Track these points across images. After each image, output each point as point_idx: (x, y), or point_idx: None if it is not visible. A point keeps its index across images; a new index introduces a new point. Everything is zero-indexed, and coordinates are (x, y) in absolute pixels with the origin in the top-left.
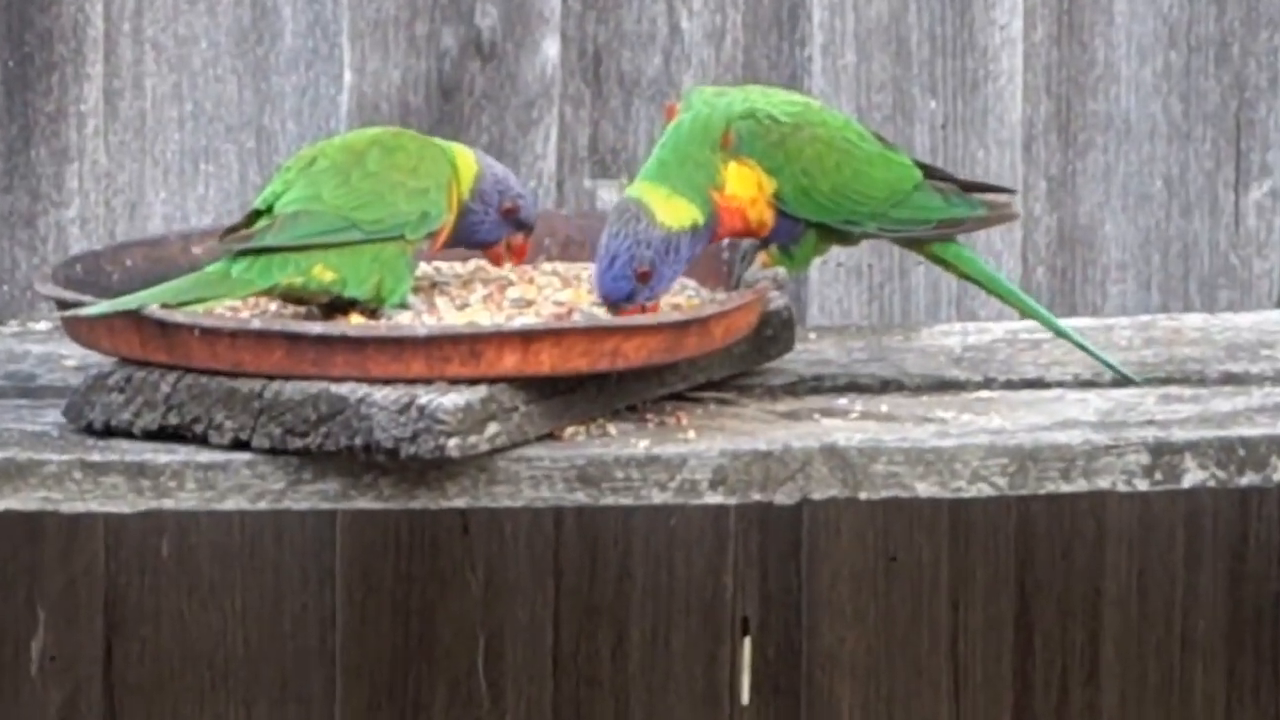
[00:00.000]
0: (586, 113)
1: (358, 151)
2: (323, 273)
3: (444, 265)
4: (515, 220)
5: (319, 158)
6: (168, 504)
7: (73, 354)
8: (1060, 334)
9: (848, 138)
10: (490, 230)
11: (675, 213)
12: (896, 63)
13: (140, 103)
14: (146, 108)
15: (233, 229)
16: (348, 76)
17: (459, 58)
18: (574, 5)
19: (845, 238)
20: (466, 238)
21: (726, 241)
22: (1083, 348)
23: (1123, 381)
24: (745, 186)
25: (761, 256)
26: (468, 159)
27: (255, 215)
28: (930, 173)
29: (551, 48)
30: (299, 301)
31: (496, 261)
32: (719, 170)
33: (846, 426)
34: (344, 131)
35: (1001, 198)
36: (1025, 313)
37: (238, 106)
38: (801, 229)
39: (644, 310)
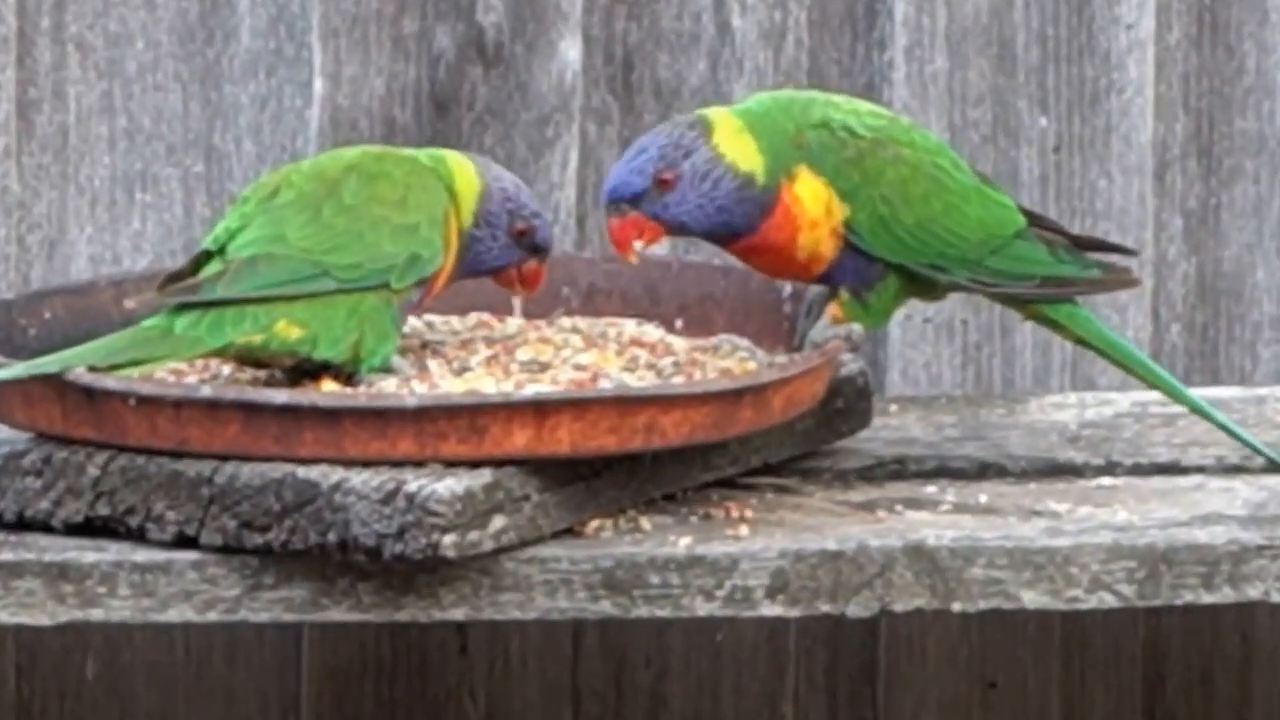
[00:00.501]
0: (614, 131)
1: (331, 180)
2: (287, 330)
3: (438, 320)
4: (529, 244)
5: (283, 188)
6: (95, 614)
7: None
8: (1197, 410)
9: (940, 164)
10: (499, 256)
11: (739, 147)
12: (998, 70)
13: (61, 116)
14: (69, 122)
15: (174, 276)
16: (318, 85)
17: (457, 62)
18: None
19: (929, 288)
20: (470, 267)
21: (788, 290)
22: (1225, 428)
23: (1276, 468)
24: (814, 201)
25: (831, 308)
26: (468, 175)
27: (203, 259)
28: (1035, 221)
29: (571, 50)
30: (258, 364)
31: (507, 285)
32: (795, 161)
33: (936, 521)
34: (314, 153)
35: (1120, 259)
36: (1153, 384)
37: (182, 121)
38: (878, 271)
39: (640, 235)
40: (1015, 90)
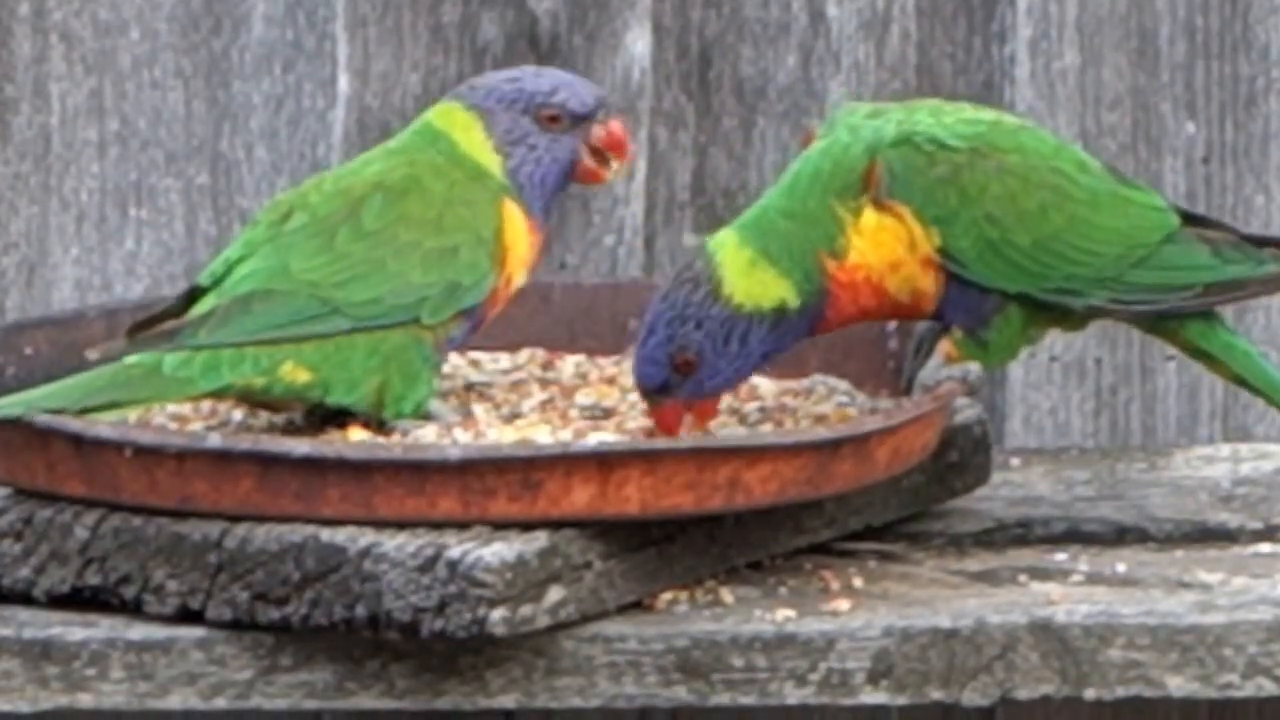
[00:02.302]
0: (689, 137)
1: (354, 199)
2: (294, 373)
3: (485, 357)
4: (572, 121)
5: (297, 209)
6: (84, 700)
7: None
8: None
9: (1060, 169)
10: (557, 156)
11: (755, 287)
12: (1138, 67)
13: (43, 118)
14: (51, 125)
15: (150, 320)
16: (343, 82)
17: (505, 55)
18: None
19: (1065, 316)
20: (538, 190)
21: (893, 325)
22: None
23: None
24: (883, 248)
25: (944, 346)
26: (461, 120)
27: (194, 295)
28: (1192, 221)
29: (639, 42)
30: (268, 407)
31: (595, 178)
32: (845, 228)
33: (1066, 594)
34: (339, 162)
35: None
36: None
37: (184, 124)
38: (994, 304)
39: (689, 412)
40: (1158, 91)
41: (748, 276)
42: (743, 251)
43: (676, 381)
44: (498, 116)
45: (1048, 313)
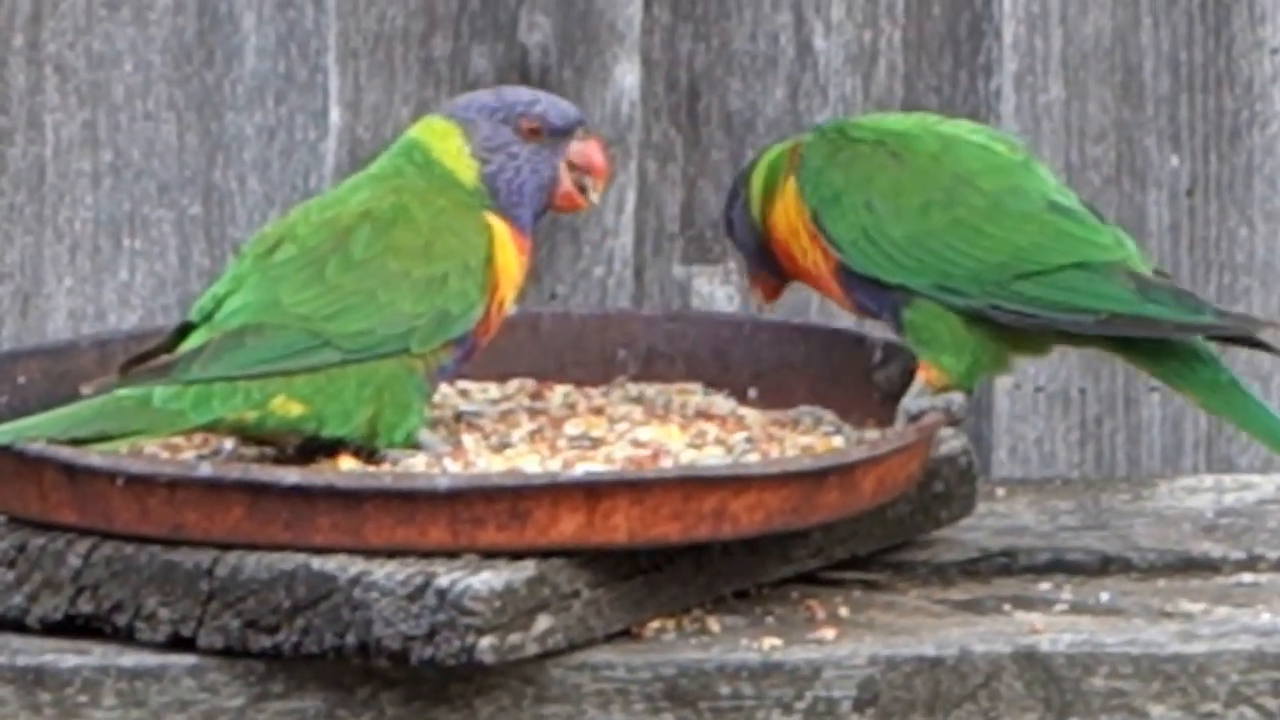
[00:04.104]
0: (678, 169)
1: (341, 229)
2: (286, 406)
3: (474, 387)
4: (552, 134)
5: (285, 241)
6: None
7: None
8: None
9: (968, 178)
10: (536, 170)
11: (754, 187)
12: (1123, 101)
13: (37, 148)
14: (46, 156)
15: (142, 356)
16: (335, 114)
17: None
18: (661, 15)
19: (1000, 328)
20: (515, 203)
21: (879, 356)
22: None
23: None
24: (787, 217)
25: (922, 370)
26: (439, 129)
27: (185, 330)
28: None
29: (629, 75)
30: (260, 441)
31: (572, 204)
32: (779, 191)
33: (1050, 623)
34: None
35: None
36: None
37: (177, 156)
38: (896, 299)
39: (754, 279)
40: (1142, 124)
41: (757, 179)
42: (769, 156)
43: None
44: (478, 125)
45: (981, 323)
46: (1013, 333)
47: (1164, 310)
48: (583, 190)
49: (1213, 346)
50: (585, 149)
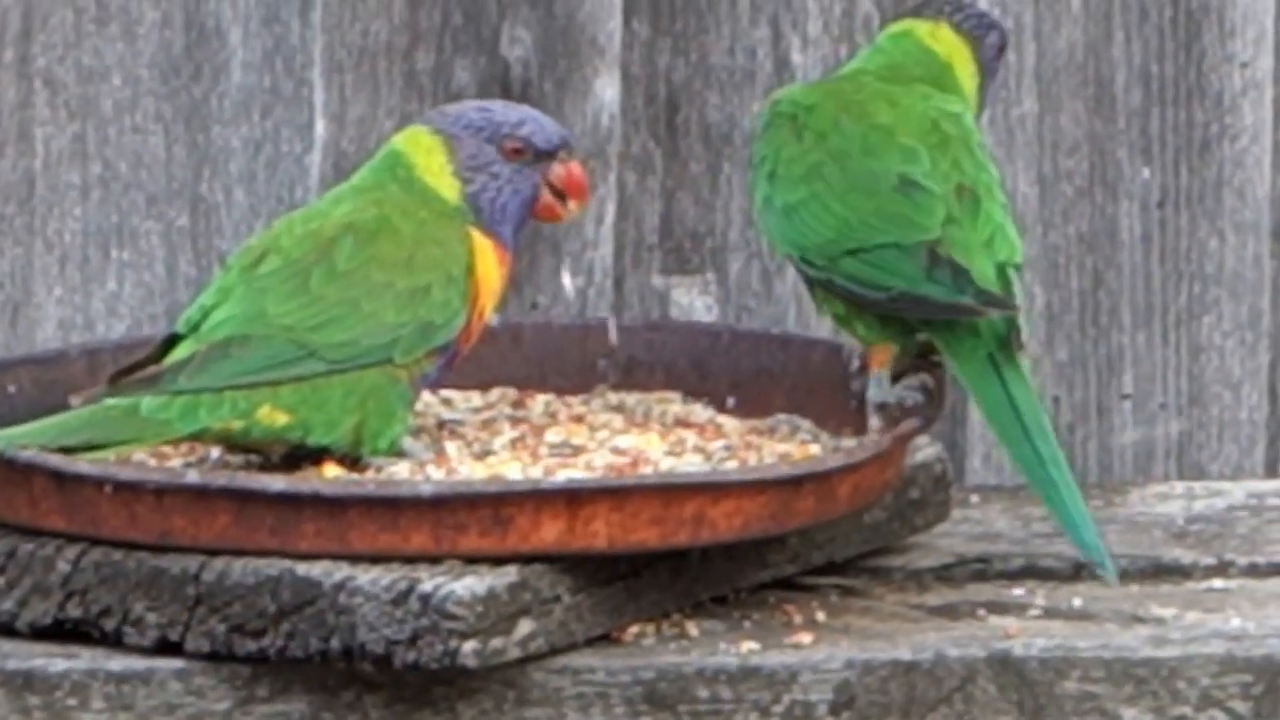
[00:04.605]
0: (657, 181)
1: (324, 240)
2: (272, 415)
3: (457, 396)
4: (535, 155)
5: (270, 253)
6: None
7: None
8: (1049, 501)
9: (840, 153)
10: (517, 189)
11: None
12: (1095, 114)
13: (27, 161)
14: (35, 169)
15: (130, 367)
16: (320, 127)
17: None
18: (640, 29)
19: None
20: (498, 221)
21: (856, 364)
22: (1071, 527)
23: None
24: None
25: (864, 355)
26: (425, 144)
27: (172, 342)
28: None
29: (608, 89)
30: (250, 450)
31: (551, 215)
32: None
33: (1023, 628)
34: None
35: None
36: (1032, 484)
37: (165, 168)
38: (805, 273)
39: None
40: (1114, 137)
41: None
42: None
43: None
44: (463, 142)
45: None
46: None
47: (939, 290)
48: (564, 201)
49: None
50: (567, 172)
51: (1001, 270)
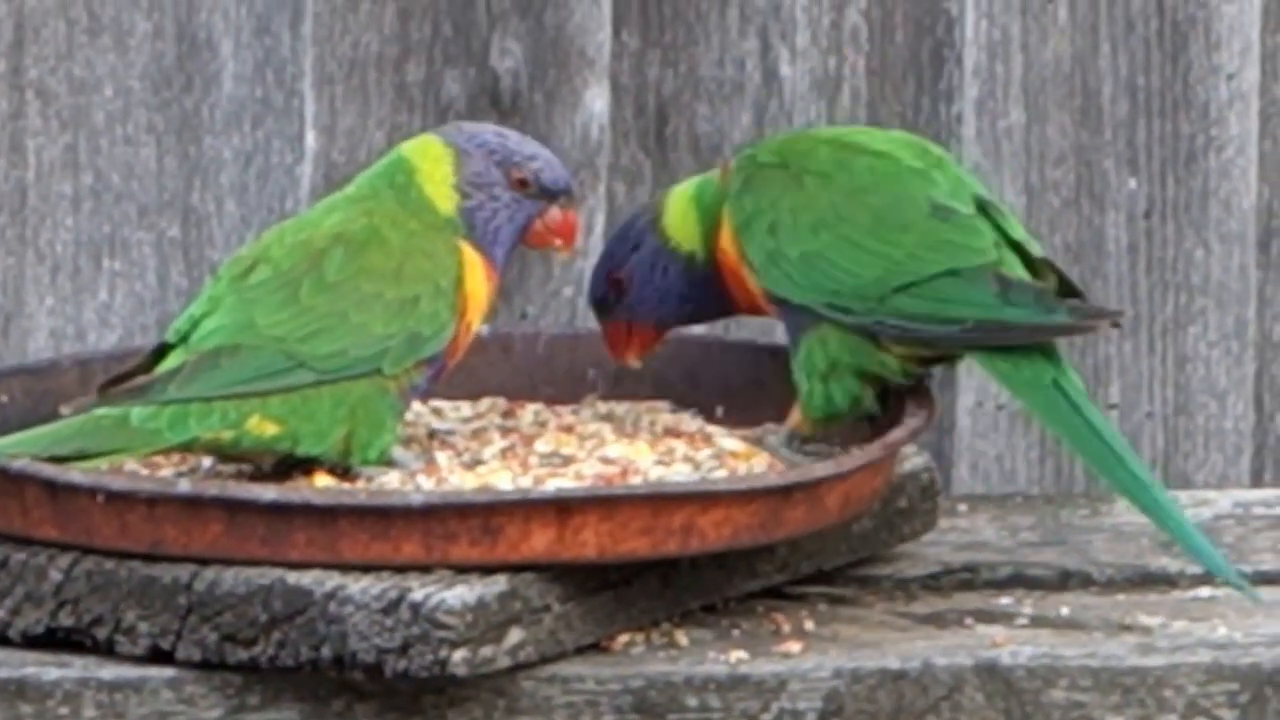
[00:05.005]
0: (646, 192)
1: (315, 251)
2: (261, 426)
3: (447, 406)
4: (538, 191)
5: (260, 263)
6: None
7: None
8: (1165, 525)
9: (856, 191)
10: (512, 215)
11: (682, 227)
12: (1081, 126)
13: (19, 172)
14: (28, 179)
15: (120, 376)
16: (310, 138)
17: (468, 112)
18: (630, 41)
19: (872, 357)
20: (490, 240)
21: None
22: (1193, 547)
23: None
24: (729, 242)
25: (793, 414)
26: (433, 152)
27: (162, 351)
28: (1065, 285)
29: (598, 100)
30: (239, 460)
31: (541, 244)
32: (722, 216)
33: (1011, 636)
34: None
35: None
36: (1112, 486)
37: (156, 179)
38: (802, 322)
39: (630, 345)
40: (1101, 148)
41: (682, 216)
42: (686, 193)
43: (613, 300)
44: (473, 159)
45: (850, 348)
46: (899, 356)
47: (1023, 314)
48: (547, 239)
49: (1064, 360)
50: (563, 217)
51: (1058, 274)
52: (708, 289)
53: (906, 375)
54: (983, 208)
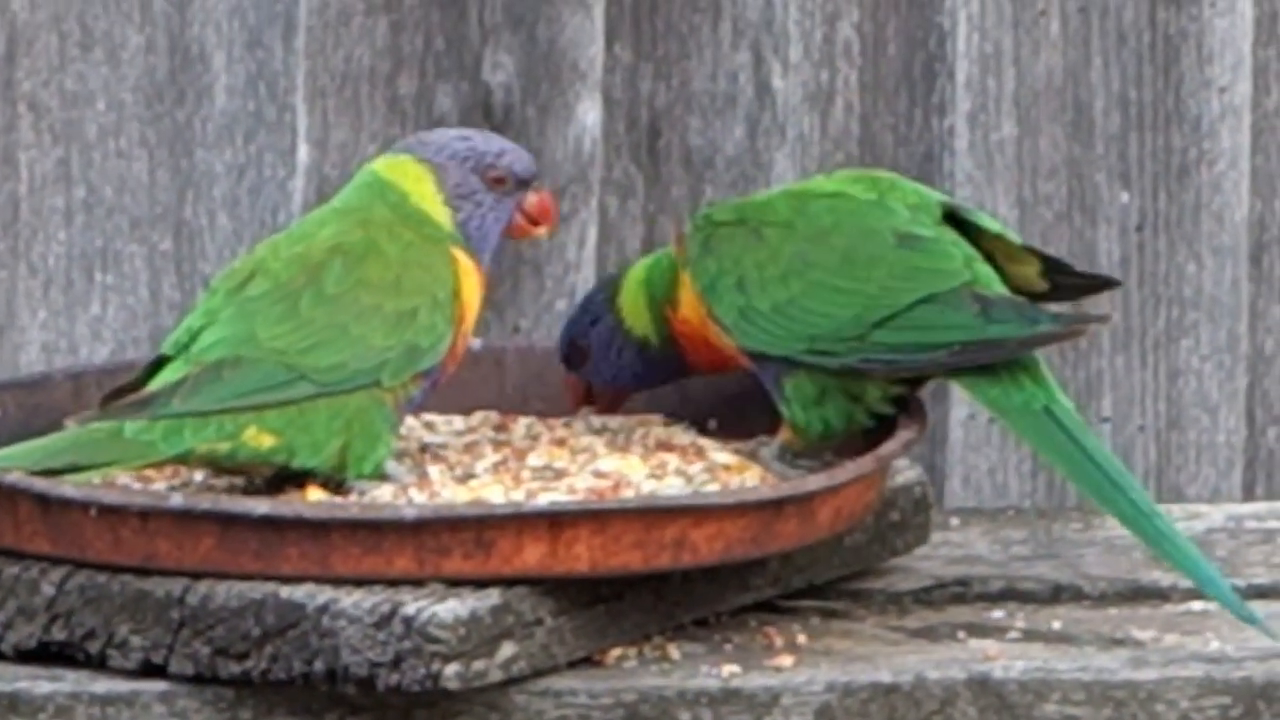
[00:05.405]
0: (638, 205)
1: (313, 264)
2: (258, 438)
3: (439, 419)
4: (515, 184)
5: (257, 274)
6: None
7: None
8: (1167, 555)
9: (818, 234)
10: (499, 216)
11: (634, 312)
12: (1073, 139)
13: (11, 185)
14: (20, 193)
15: (119, 390)
16: (303, 152)
17: (460, 126)
18: (622, 54)
19: (861, 388)
20: (483, 243)
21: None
22: (1196, 575)
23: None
24: (691, 308)
25: (784, 433)
26: (412, 172)
27: (158, 365)
28: (1052, 266)
29: (590, 113)
30: (234, 472)
31: (524, 234)
32: (678, 285)
33: (1003, 650)
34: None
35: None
36: (1112, 515)
37: (148, 192)
38: (775, 370)
39: (588, 392)
40: (1093, 162)
41: (633, 301)
42: (638, 276)
43: (575, 363)
44: (450, 171)
45: (838, 381)
46: (877, 390)
47: (1007, 329)
48: (534, 223)
49: (1045, 368)
50: (539, 200)
51: (1046, 260)
52: (665, 365)
53: (892, 400)
54: (950, 214)
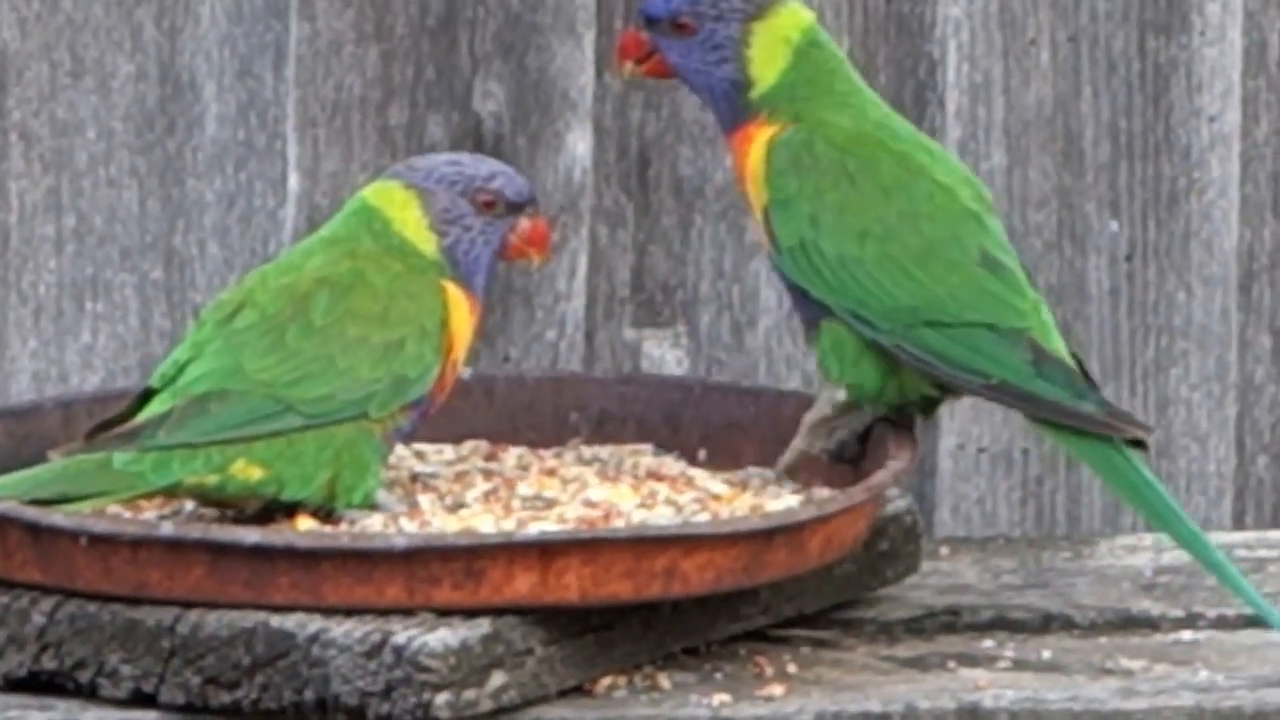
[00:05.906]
0: (628, 235)
1: (300, 295)
2: (247, 470)
3: (430, 449)
4: (505, 208)
5: (245, 306)
6: None
7: None
8: (1218, 572)
9: (912, 214)
10: (489, 240)
11: (768, 53)
12: (1063, 168)
13: (1, 214)
14: (10, 222)
15: (107, 423)
16: (293, 181)
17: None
18: (613, 83)
19: (891, 366)
20: (473, 270)
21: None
22: (1248, 598)
23: None
24: (755, 159)
25: (828, 391)
26: (399, 198)
27: (147, 396)
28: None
29: (580, 143)
30: (223, 505)
31: (518, 257)
32: (785, 113)
33: (993, 680)
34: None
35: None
36: (1171, 536)
37: (139, 221)
38: (814, 311)
39: (637, 59)
40: (1083, 191)
41: (775, 42)
42: (796, 24)
43: (663, 28)
44: (437, 196)
45: (871, 351)
46: (913, 374)
47: (1051, 389)
48: (525, 251)
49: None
50: (532, 226)
51: (1078, 360)
52: (733, 111)
53: (921, 400)
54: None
